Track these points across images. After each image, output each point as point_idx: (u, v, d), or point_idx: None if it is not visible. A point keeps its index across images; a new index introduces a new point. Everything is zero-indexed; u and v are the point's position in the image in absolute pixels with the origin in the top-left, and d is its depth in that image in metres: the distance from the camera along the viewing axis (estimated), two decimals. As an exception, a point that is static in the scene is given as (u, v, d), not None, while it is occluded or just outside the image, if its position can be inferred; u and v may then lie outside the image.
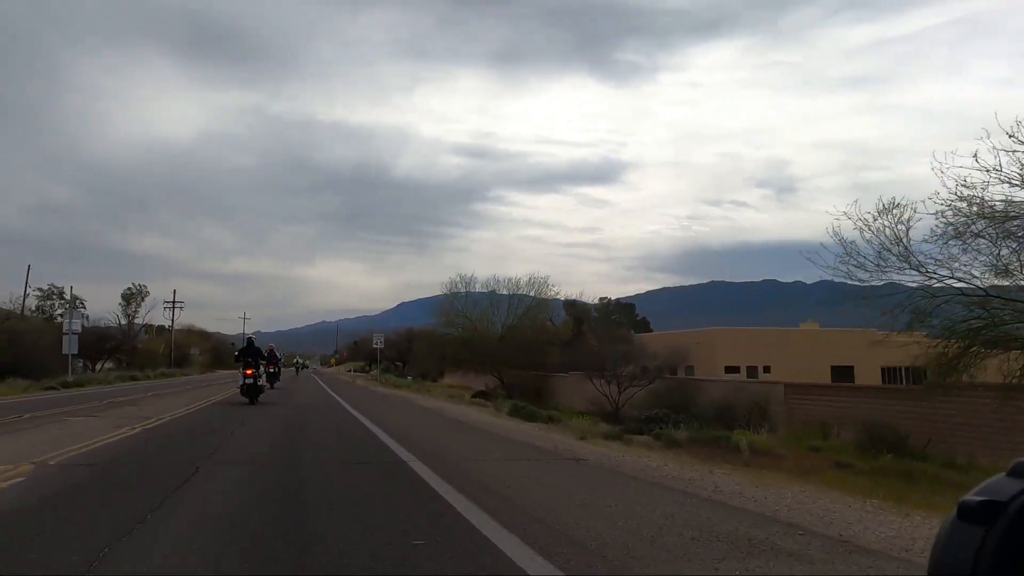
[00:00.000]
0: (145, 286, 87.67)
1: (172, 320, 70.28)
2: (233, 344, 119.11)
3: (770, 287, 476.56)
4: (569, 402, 37.41)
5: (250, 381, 19.35)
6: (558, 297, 42.64)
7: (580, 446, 11.23)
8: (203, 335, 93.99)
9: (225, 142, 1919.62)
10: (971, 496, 1.05)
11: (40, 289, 66.40)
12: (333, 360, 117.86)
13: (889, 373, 34.08)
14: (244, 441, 11.45)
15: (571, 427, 16.56)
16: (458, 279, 43.01)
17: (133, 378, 42.48)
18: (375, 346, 36.95)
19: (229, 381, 43.29)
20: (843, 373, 40.91)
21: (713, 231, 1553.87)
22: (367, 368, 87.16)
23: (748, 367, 43.56)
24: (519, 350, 38.79)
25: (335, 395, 27.24)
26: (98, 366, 55.60)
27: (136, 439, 11.44)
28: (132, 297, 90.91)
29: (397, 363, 76.44)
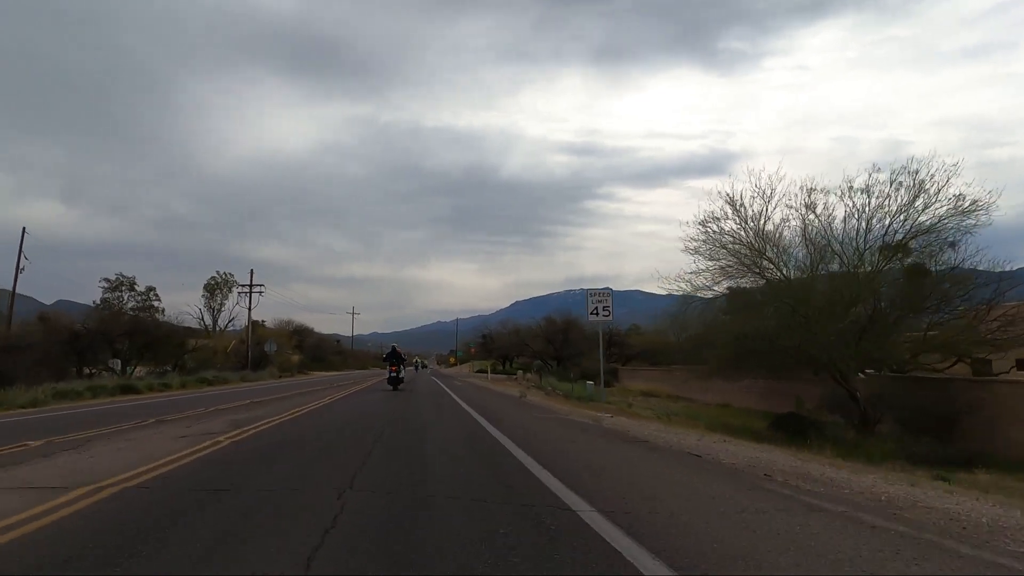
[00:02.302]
0: (232, 274, 72.92)
1: (249, 308, 53.53)
2: (339, 341, 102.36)
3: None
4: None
5: (394, 375, 28.45)
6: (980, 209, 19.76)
7: None
8: (301, 331, 78.22)
9: (337, 153, 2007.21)
10: None
11: (107, 280, 51.86)
12: (453, 359, 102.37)
13: None
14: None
15: None
16: (756, 178, 21.95)
17: (129, 390, 24.30)
18: (594, 317, 15.48)
19: (293, 393, 24.16)
20: None
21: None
22: (503, 367, 67.35)
23: None
24: (893, 330, 16.96)
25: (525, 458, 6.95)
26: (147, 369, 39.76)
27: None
28: (217, 288, 76.32)
29: (548, 361, 57.28)
